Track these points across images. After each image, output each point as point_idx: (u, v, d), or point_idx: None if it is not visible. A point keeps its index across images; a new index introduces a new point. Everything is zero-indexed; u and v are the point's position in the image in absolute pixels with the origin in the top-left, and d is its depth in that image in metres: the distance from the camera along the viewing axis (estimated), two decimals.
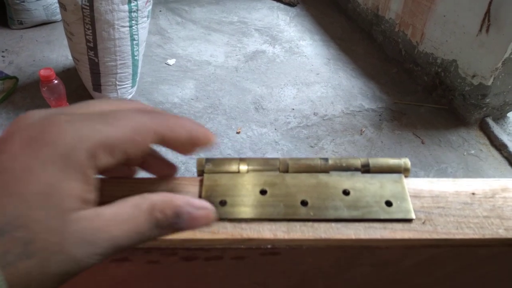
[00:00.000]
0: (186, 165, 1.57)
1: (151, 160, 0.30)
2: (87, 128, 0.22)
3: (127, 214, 0.23)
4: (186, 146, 0.26)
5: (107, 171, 0.29)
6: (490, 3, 1.60)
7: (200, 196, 0.30)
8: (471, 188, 0.31)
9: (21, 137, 0.21)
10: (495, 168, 1.66)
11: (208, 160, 0.31)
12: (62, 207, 0.21)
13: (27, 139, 0.21)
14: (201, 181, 0.30)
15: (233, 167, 0.31)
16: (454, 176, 1.62)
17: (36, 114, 0.23)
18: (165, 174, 0.31)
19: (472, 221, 0.29)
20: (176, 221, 0.24)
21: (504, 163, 1.69)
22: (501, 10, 1.59)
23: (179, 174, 0.32)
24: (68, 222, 0.21)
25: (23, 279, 0.19)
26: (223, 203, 0.29)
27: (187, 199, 0.25)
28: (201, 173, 0.31)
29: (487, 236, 0.29)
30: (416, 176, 1.62)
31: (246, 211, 0.29)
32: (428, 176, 1.62)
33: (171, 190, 0.30)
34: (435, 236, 0.28)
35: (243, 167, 0.31)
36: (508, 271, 0.33)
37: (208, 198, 0.29)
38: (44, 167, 0.21)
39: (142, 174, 0.31)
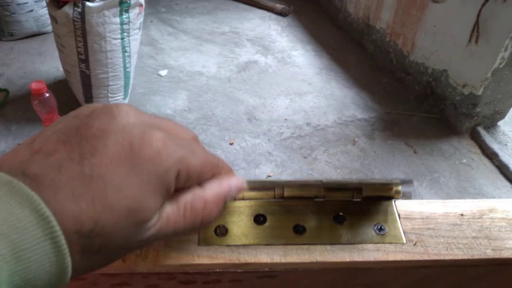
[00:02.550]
0: None
1: None
2: (180, 152, 0.24)
3: (182, 216, 0.25)
4: None
5: None
6: (478, 14, 1.63)
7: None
8: (459, 209, 0.32)
9: (118, 142, 0.22)
10: (486, 177, 1.68)
11: None
12: (140, 220, 0.23)
13: (127, 147, 0.22)
14: None
15: None
16: (447, 185, 1.64)
17: (130, 117, 0.24)
18: None
19: (461, 242, 0.30)
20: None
21: (495, 172, 1.71)
22: (489, 21, 1.62)
23: None
24: (139, 231, 0.23)
25: (87, 268, 0.23)
26: (221, 228, 0.30)
27: (230, 186, 0.27)
28: None
29: (475, 257, 0.30)
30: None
31: (243, 236, 0.30)
32: (421, 185, 1.63)
33: None
34: (426, 257, 0.29)
35: None
36: None
37: None
38: (139, 185, 0.22)
39: None
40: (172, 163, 0.23)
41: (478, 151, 1.81)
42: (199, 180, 0.26)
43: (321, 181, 0.33)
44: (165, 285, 0.31)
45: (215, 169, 0.27)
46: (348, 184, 0.32)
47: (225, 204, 0.27)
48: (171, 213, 0.25)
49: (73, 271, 0.21)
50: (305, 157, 1.74)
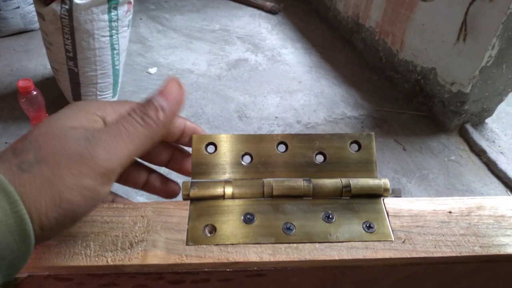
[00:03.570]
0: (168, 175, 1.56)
1: (154, 180, 0.37)
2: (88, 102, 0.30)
3: (116, 124, 0.28)
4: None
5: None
6: (466, 13, 1.64)
7: (188, 221, 0.30)
8: (448, 207, 0.33)
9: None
10: (475, 174, 1.70)
11: (193, 183, 0.32)
12: (63, 124, 0.26)
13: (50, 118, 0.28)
14: (188, 206, 0.31)
15: (218, 190, 0.32)
16: (435, 181, 1.65)
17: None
18: (170, 191, 0.37)
19: (450, 239, 0.30)
20: (153, 103, 0.31)
21: (483, 168, 1.73)
22: (477, 20, 1.63)
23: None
24: (68, 130, 0.26)
25: (43, 185, 0.24)
26: (209, 228, 0.30)
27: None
28: (187, 197, 0.31)
29: (463, 254, 0.30)
30: (399, 182, 1.64)
31: (232, 235, 0.29)
32: (410, 182, 1.64)
33: (159, 214, 0.31)
34: (414, 255, 0.30)
35: (228, 190, 0.32)
36: (484, 285, 0.34)
37: (195, 223, 0.30)
38: (60, 115, 0.27)
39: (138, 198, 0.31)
40: (87, 106, 0.29)
41: (466, 148, 1.83)
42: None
43: (309, 179, 0.33)
44: (153, 285, 0.31)
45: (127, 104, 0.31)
46: (337, 182, 0.32)
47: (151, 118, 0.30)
48: (110, 130, 0.27)
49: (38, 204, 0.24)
50: None
